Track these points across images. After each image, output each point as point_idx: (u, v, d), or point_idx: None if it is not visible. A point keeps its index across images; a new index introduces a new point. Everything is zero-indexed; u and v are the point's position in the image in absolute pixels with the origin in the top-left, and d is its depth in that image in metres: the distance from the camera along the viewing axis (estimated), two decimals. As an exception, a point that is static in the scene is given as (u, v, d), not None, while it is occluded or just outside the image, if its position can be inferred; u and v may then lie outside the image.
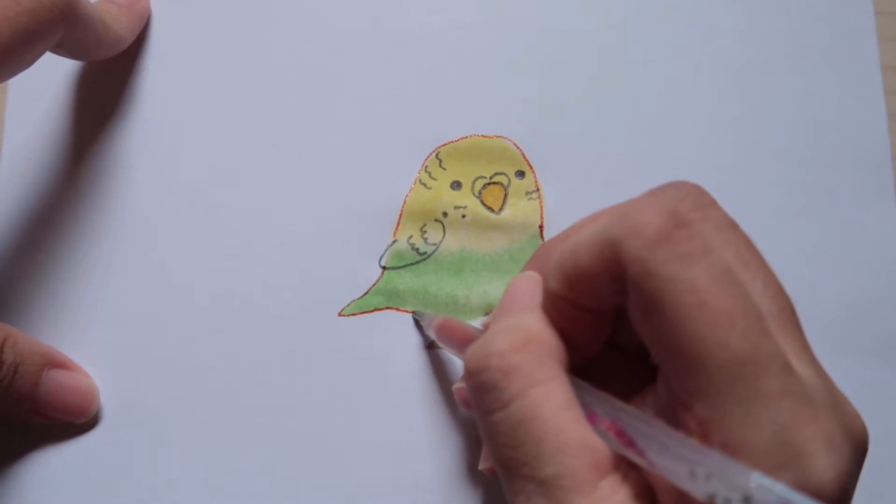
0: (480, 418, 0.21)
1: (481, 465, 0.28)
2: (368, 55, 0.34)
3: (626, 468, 0.19)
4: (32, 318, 0.32)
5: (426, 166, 0.33)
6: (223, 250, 0.33)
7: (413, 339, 0.32)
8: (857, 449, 0.19)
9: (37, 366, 0.29)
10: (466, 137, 0.33)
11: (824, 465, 0.17)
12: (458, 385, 0.28)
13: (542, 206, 0.33)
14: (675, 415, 0.19)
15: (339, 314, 0.32)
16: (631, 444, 0.19)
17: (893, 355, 0.32)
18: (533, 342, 0.21)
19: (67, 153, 0.33)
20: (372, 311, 0.32)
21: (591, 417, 0.20)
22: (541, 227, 0.33)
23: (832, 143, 0.34)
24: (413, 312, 0.32)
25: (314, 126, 0.34)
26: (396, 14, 0.35)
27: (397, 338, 0.32)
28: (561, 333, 0.22)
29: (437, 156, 0.33)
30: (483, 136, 0.34)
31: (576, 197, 0.33)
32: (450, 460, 0.31)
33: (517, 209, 0.33)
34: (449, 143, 0.33)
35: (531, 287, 0.24)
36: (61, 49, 0.30)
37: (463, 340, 0.26)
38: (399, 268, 0.33)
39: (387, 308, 0.32)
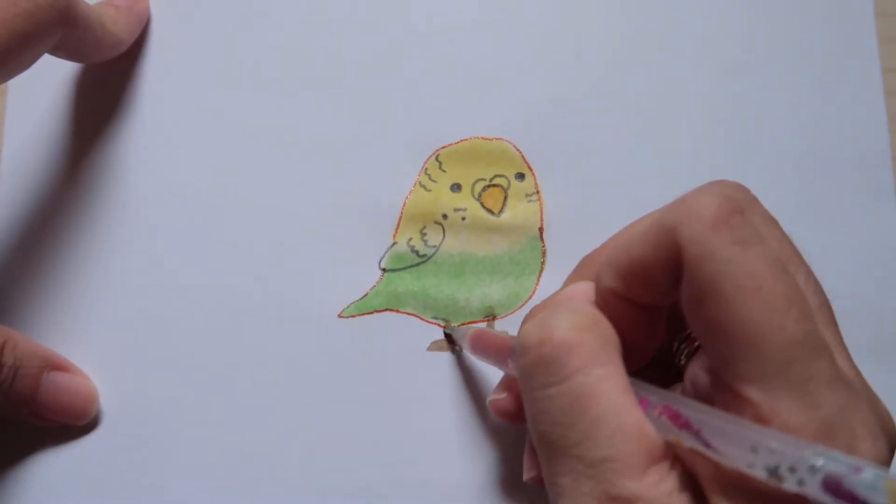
0: (532, 394, 0.21)
1: (526, 476, 0.27)
2: (368, 57, 0.34)
3: (673, 459, 0.20)
4: (32, 320, 0.32)
5: (426, 168, 0.33)
6: (223, 251, 0.32)
7: (413, 340, 0.32)
8: (891, 444, 0.19)
9: (36, 368, 0.29)
10: (466, 139, 0.33)
11: (871, 452, 0.18)
12: (495, 396, 0.27)
13: (541, 209, 0.33)
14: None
15: (339, 316, 0.32)
16: (686, 425, 0.19)
17: (893, 355, 0.32)
18: (597, 326, 0.21)
19: (67, 154, 0.33)
20: (371, 313, 0.32)
21: (644, 403, 0.20)
22: (541, 229, 0.33)
23: (832, 144, 0.34)
24: (444, 327, 0.32)
25: (314, 128, 0.34)
26: (397, 15, 0.34)
27: (397, 340, 0.32)
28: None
29: (436, 158, 0.33)
30: (483, 138, 0.33)
31: (576, 199, 0.33)
32: (450, 462, 0.31)
33: (517, 211, 0.33)
34: (449, 145, 0.33)
35: (585, 289, 0.24)
36: (60, 51, 0.30)
37: (500, 349, 0.25)
38: (399, 270, 0.33)
39: (386, 310, 0.32)
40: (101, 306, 0.32)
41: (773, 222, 0.21)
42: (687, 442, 0.19)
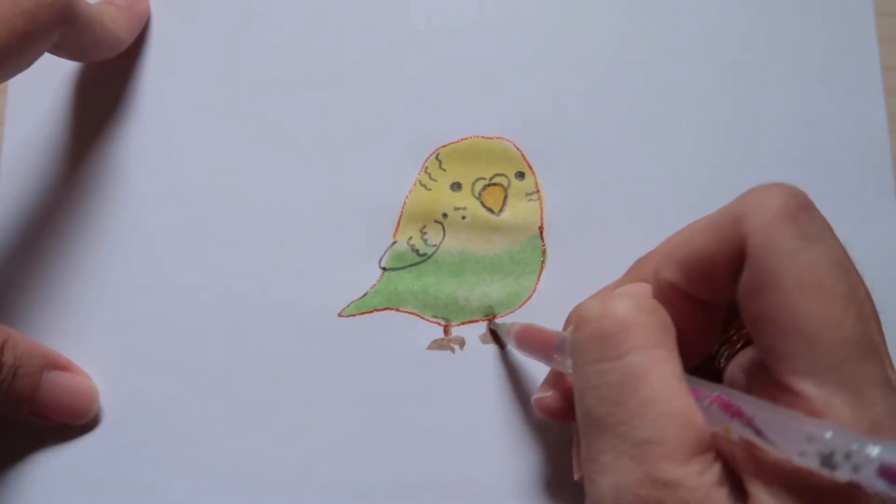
0: (584, 367, 0.21)
1: (578, 475, 0.27)
2: (368, 56, 0.34)
3: (716, 453, 0.19)
4: (32, 319, 0.32)
5: (426, 167, 0.33)
6: (223, 251, 0.33)
7: (413, 340, 0.32)
8: None
9: (37, 367, 0.29)
10: (466, 138, 0.33)
11: None
12: (540, 395, 0.27)
13: (541, 208, 0.33)
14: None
15: (339, 315, 0.32)
16: (739, 413, 0.19)
17: (893, 355, 0.32)
18: (657, 312, 0.21)
19: (67, 153, 0.33)
20: (372, 312, 0.32)
21: (695, 392, 0.20)
22: (541, 228, 0.33)
23: (832, 143, 0.34)
24: (489, 322, 0.32)
25: (314, 127, 0.34)
26: (397, 15, 0.35)
27: (397, 339, 0.32)
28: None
29: (436, 157, 0.33)
30: (483, 137, 0.33)
31: (576, 198, 0.33)
32: (450, 462, 0.31)
33: (517, 210, 0.33)
34: (449, 144, 0.33)
35: (642, 287, 0.24)
36: (60, 50, 0.30)
37: (547, 343, 0.25)
38: (399, 269, 0.33)
39: (386, 309, 0.32)
40: (101, 305, 0.32)
41: (830, 227, 0.21)
42: (737, 430, 0.19)
